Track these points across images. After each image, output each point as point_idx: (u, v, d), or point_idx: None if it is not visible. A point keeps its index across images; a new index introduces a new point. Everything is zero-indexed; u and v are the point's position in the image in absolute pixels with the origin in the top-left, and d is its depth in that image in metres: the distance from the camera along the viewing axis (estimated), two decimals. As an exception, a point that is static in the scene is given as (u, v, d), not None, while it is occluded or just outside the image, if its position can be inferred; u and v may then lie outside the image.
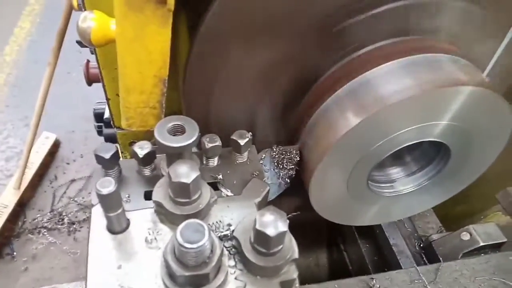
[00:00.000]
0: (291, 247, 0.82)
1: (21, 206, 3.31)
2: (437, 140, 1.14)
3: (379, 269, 1.77)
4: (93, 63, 2.34)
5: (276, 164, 1.19)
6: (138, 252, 0.83)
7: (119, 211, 0.81)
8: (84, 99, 4.02)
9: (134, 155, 0.96)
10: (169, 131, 0.89)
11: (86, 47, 2.21)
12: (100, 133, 2.50)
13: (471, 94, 1.06)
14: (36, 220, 3.29)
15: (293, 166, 1.20)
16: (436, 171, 1.27)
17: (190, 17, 1.22)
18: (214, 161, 1.03)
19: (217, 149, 1.00)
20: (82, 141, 3.86)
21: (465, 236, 1.54)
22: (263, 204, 0.97)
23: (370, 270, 1.83)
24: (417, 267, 1.35)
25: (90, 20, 1.03)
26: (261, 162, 1.18)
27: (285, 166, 1.19)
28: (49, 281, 2.88)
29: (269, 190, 0.99)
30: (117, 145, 1.10)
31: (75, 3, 1.83)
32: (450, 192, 1.40)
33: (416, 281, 1.30)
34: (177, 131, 0.89)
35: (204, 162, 1.03)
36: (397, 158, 1.34)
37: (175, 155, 0.90)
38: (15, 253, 3.05)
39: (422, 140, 1.13)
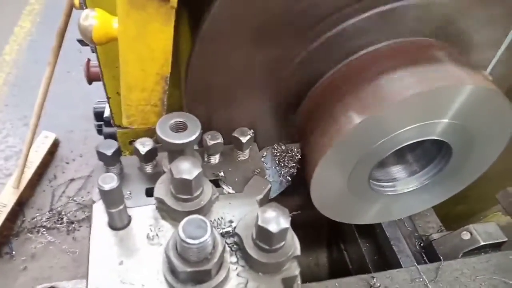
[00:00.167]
0: (293, 243, 0.82)
1: (20, 205, 3.30)
2: (439, 138, 1.14)
3: (380, 269, 1.76)
4: (94, 61, 2.34)
5: (277, 162, 1.19)
6: (140, 249, 0.83)
7: (121, 207, 0.81)
8: (84, 99, 4.02)
9: (135, 152, 0.95)
10: (171, 127, 0.89)
11: (87, 45, 2.21)
12: (100, 132, 2.50)
13: (473, 93, 1.06)
14: (35, 219, 3.28)
15: (294, 164, 1.20)
16: (437, 170, 1.27)
17: (192, 16, 1.22)
18: (216, 159, 1.03)
19: (219, 146, 1.00)
20: (82, 140, 3.86)
21: (466, 236, 1.54)
22: (265, 202, 0.97)
23: (370, 270, 1.83)
24: (418, 266, 1.35)
25: (91, 18, 1.03)
26: (262, 160, 1.18)
27: (286, 164, 1.19)
28: (48, 280, 2.87)
29: (270, 188, 0.99)
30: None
31: (76, 1, 1.82)
32: (451, 191, 1.40)
33: (416, 280, 1.30)
34: (179, 127, 0.89)
35: (206, 159, 1.03)
36: (399, 157, 1.34)
37: (177, 152, 0.90)
38: (14, 252, 3.04)
39: (423, 139, 1.13)
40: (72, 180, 3.55)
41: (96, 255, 0.81)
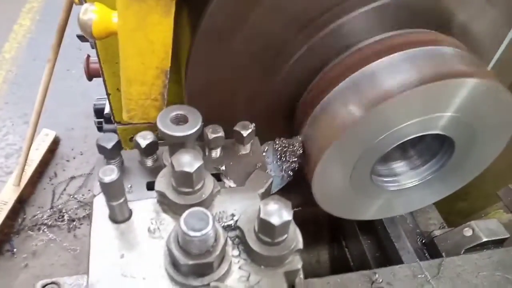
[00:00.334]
0: (296, 237, 0.82)
1: (21, 203, 3.30)
2: (441, 133, 1.13)
3: (381, 265, 1.75)
4: (94, 58, 2.33)
5: (279, 156, 1.19)
6: (141, 242, 0.82)
7: (122, 200, 0.80)
8: (84, 96, 4.02)
9: (136, 145, 0.95)
10: (172, 120, 0.88)
11: (87, 41, 2.21)
12: (100, 129, 2.50)
13: (476, 87, 1.05)
14: (36, 217, 3.28)
15: (296, 159, 1.19)
16: (440, 165, 1.27)
17: (192, 12, 1.22)
18: (217, 152, 1.02)
19: (220, 140, 0.99)
20: (82, 138, 3.86)
21: (468, 232, 1.53)
22: (266, 196, 0.96)
23: (371, 266, 1.82)
24: (420, 262, 1.34)
25: (91, 13, 1.02)
26: (264, 154, 1.17)
27: (288, 158, 1.18)
28: (49, 278, 2.87)
29: (272, 182, 0.98)
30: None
31: (76, -2, 1.82)
32: (453, 187, 1.39)
33: (419, 276, 1.29)
34: (180, 120, 0.89)
35: (207, 153, 1.02)
36: (401, 151, 1.34)
37: (177, 145, 0.89)
38: (15, 249, 3.04)
39: (426, 133, 1.13)
40: (72, 178, 3.55)
41: (97, 248, 0.81)
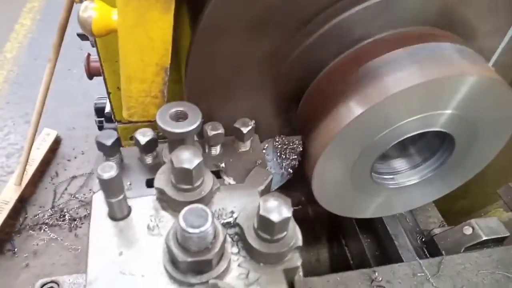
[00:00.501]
0: (295, 234, 0.81)
1: (22, 202, 3.30)
2: (442, 130, 1.13)
3: (381, 264, 1.75)
4: (94, 56, 2.33)
5: (279, 154, 1.18)
6: (140, 239, 0.82)
7: (121, 197, 0.80)
8: (85, 96, 4.02)
9: (136, 142, 0.95)
10: (171, 117, 0.88)
11: (87, 39, 2.21)
12: (101, 128, 2.50)
13: (477, 83, 1.05)
14: (37, 216, 3.29)
15: (296, 156, 1.19)
16: (440, 162, 1.26)
17: (192, 11, 1.22)
18: (217, 150, 1.02)
19: (220, 137, 0.99)
20: (83, 137, 3.86)
21: (468, 231, 1.53)
22: (266, 193, 0.96)
23: (371, 265, 1.82)
24: (420, 261, 1.34)
25: (91, 10, 1.02)
26: (264, 151, 1.17)
27: (287, 156, 1.18)
28: (49, 277, 2.87)
29: (272, 179, 0.98)
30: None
31: (76, -6, 1.82)
32: (453, 185, 1.39)
33: (418, 274, 1.29)
34: (180, 117, 0.89)
35: (207, 150, 1.02)
36: (401, 149, 1.33)
37: (177, 141, 0.89)
38: (16, 249, 3.04)
39: (426, 130, 1.12)
40: (74, 177, 3.55)
41: (96, 246, 0.81)
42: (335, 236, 2.16)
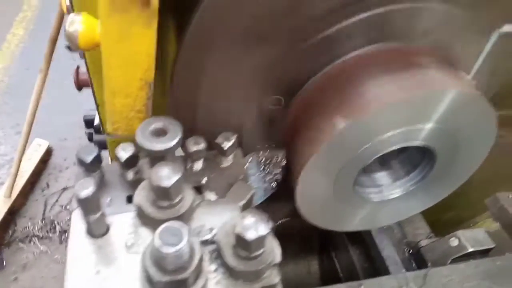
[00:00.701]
0: (273, 250, 0.81)
1: (12, 214, 3.28)
2: (423, 144, 1.14)
3: (369, 276, 1.74)
4: (83, 68, 2.34)
5: (262, 168, 1.19)
6: (118, 257, 0.82)
7: (99, 214, 0.80)
8: (77, 106, 4.02)
9: (116, 158, 0.95)
10: (151, 133, 0.88)
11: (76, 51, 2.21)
12: (91, 139, 2.50)
13: (456, 98, 1.06)
14: (27, 228, 3.26)
15: (279, 170, 1.19)
16: (422, 176, 1.27)
17: (178, 24, 1.23)
18: (199, 164, 1.02)
19: (202, 152, 1.00)
20: (75, 148, 3.80)
21: (454, 242, 1.53)
22: (248, 208, 0.96)
23: (360, 277, 1.81)
24: (406, 273, 1.34)
25: (77, 24, 1.02)
26: (247, 166, 1.17)
27: (271, 170, 1.18)
28: (37, 290, 2.85)
29: (254, 194, 0.98)
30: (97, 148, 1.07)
31: (64, 6, 1.82)
32: (437, 197, 1.40)
33: (404, 287, 1.29)
34: (160, 133, 0.89)
35: (189, 165, 1.02)
36: (384, 163, 1.34)
37: (157, 158, 0.89)
38: (4, 262, 3.01)
39: (408, 145, 1.14)
40: (65, 188, 3.53)
41: (73, 264, 0.80)
42: (326, 248, 2.16)
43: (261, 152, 1.21)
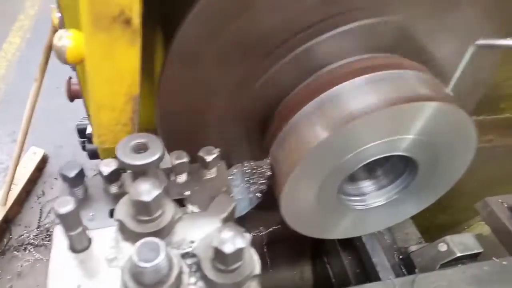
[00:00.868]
0: (252, 263, 0.82)
1: (7, 222, 3.28)
2: (404, 154, 1.16)
3: (361, 282, 1.76)
4: (75, 79, 2.35)
5: (247, 179, 1.20)
6: (100, 271, 0.83)
7: (79, 230, 0.81)
8: (73, 114, 4.02)
9: (99, 173, 0.96)
10: (132, 149, 0.90)
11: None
12: (84, 148, 2.50)
13: (435, 109, 1.08)
14: (23, 236, 3.26)
15: (264, 181, 1.21)
16: (405, 185, 1.29)
17: (166, 38, 1.25)
18: (183, 177, 1.04)
19: (184, 166, 1.01)
20: (71, 156, 3.86)
21: (442, 247, 1.54)
22: (229, 220, 0.98)
23: (352, 283, 1.82)
24: (394, 279, 1.35)
25: (65, 39, 1.04)
26: (232, 177, 1.19)
27: (256, 181, 1.20)
28: (33, 299, 2.85)
29: (235, 206, 0.99)
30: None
31: (55, 21, 1.85)
32: (421, 205, 1.41)
33: (391, 294, 1.30)
34: (140, 148, 0.90)
35: (173, 178, 1.04)
36: (368, 171, 1.36)
37: (139, 173, 0.91)
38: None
39: (389, 155, 1.15)
40: (60, 196, 3.54)
41: (55, 278, 0.81)
42: (318, 254, 2.17)
43: (246, 163, 1.23)
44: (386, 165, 1.32)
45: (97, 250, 0.86)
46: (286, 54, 1.10)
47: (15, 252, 3.12)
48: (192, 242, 0.88)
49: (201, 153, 1.03)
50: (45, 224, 3.34)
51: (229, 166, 1.20)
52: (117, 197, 0.96)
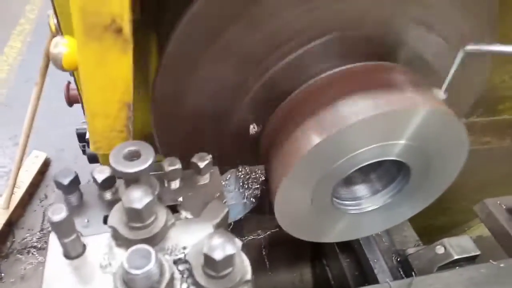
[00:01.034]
0: (243, 268, 0.83)
1: (10, 225, 3.31)
2: (397, 159, 1.16)
3: (359, 285, 1.76)
4: (74, 84, 2.37)
5: (241, 184, 1.21)
6: (94, 278, 0.84)
7: (73, 237, 0.82)
8: (74, 118, 4.05)
9: (93, 180, 0.97)
10: (124, 156, 0.91)
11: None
12: (84, 152, 2.52)
13: (427, 115, 1.08)
14: (26, 239, 3.29)
15: (258, 186, 1.22)
16: (398, 189, 1.29)
17: (161, 40, 1.26)
18: (176, 184, 1.05)
19: (177, 172, 1.02)
20: (73, 159, 3.89)
21: (440, 250, 1.55)
22: (222, 226, 0.98)
23: (351, 286, 1.83)
24: (391, 282, 1.36)
25: (61, 46, 1.06)
26: (226, 182, 1.20)
27: (250, 185, 1.21)
28: (36, 302, 2.87)
29: (228, 212, 1.00)
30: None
31: (52, 27, 1.86)
32: (416, 208, 1.42)
33: (388, 297, 1.30)
34: (133, 156, 0.91)
35: (166, 184, 1.05)
36: (362, 176, 1.36)
37: (131, 180, 0.92)
38: (3, 274, 3.04)
39: (382, 159, 1.16)
40: (63, 199, 3.56)
41: (49, 285, 0.82)
42: (317, 256, 2.18)
43: (241, 168, 1.24)
44: (379, 170, 1.33)
45: (91, 257, 0.87)
46: (275, 64, 1.11)
47: (18, 255, 3.15)
48: (185, 248, 0.89)
49: (194, 159, 1.03)
50: (48, 227, 3.36)
51: (223, 171, 1.21)
52: (111, 204, 0.97)
